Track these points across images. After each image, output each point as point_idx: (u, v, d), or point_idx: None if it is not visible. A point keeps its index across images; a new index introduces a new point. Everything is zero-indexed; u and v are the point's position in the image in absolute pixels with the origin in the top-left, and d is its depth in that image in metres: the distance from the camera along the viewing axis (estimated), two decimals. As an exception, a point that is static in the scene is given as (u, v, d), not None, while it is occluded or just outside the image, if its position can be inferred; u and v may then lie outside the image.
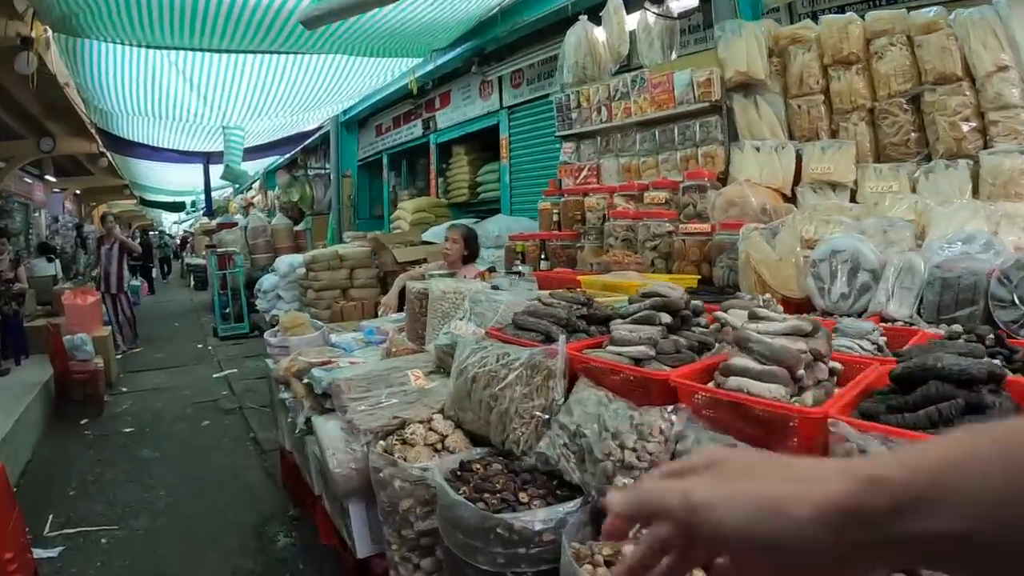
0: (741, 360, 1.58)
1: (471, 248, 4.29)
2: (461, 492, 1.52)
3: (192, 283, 15.92)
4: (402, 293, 4.12)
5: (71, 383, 5.33)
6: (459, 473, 1.64)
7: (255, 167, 12.47)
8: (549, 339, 1.92)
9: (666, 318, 1.86)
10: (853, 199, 3.04)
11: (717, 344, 1.91)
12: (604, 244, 3.68)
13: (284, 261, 7.00)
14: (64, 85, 7.12)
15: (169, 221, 28.02)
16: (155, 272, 17.62)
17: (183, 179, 11.31)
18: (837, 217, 2.85)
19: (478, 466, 1.66)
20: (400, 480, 1.76)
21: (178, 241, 25.14)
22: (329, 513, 2.55)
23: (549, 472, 1.60)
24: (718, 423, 1.43)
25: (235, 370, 6.64)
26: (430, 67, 6.79)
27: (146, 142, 8.02)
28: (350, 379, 2.17)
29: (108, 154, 10.36)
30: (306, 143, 10.37)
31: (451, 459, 1.71)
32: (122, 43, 5.08)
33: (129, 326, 7.79)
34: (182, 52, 5.37)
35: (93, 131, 8.71)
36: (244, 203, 16.20)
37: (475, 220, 6.27)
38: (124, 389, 6.03)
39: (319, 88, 6.34)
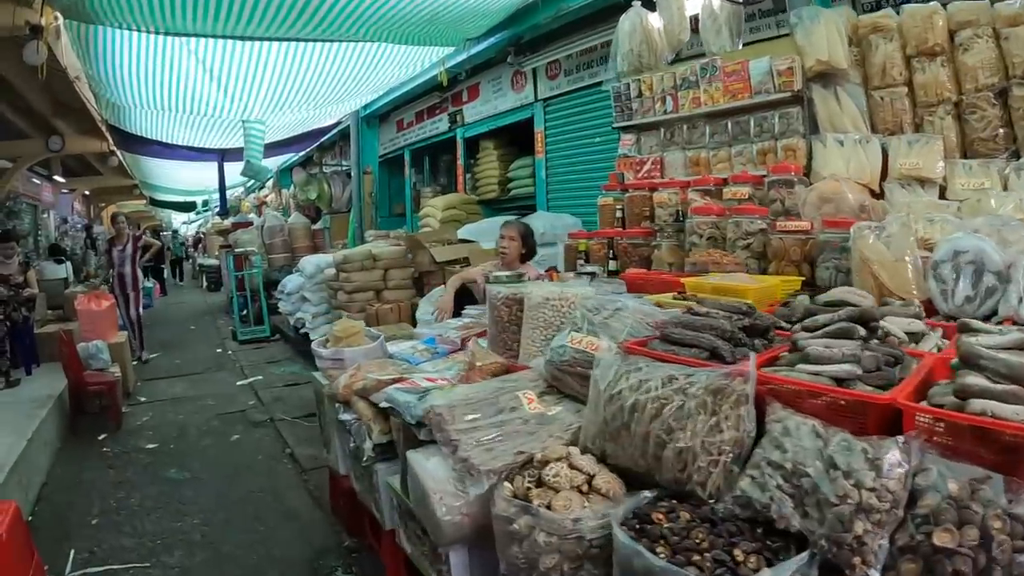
0: (978, 379, 1.31)
1: (529, 246, 3.96)
2: (659, 553, 1.16)
3: (205, 284, 15.39)
4: (458, 296, 3.77)
5: (86, 395, 4.93)
6: (638, 526, 1.27)
7: (269, 165, 12.08)
8: (715, 355, 1.55)
9: (861, 331, 1.50)
10: (942, 196, 2.86)
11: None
12: (686, 243, 3.32)
13: (310, 262, 6.58)
14: (75, 79, 6.74)
15: (178, 221, 27.35)
16: (166, 274, 17.03)
17: (195, 178, 10.88)
18: (942, 215, 2.65)
19: (659, 516, 1.28)
20: (544, 533, 1.38)
21: (191, 241, 24.07)
22: (409, 554, 2.17)
23: (750, 519, 1.25)
24: (956, 452, 1.23)
25: (260, 377, 6.24)
26: (462, 57, 6.42)
27: (159, 139, 7.59)
28: (452, 406, 1.78)
29: (119, 153, 9.95)
30: (322, 140, 9.98)
31: (621, 508, 1.33)
32: (138, 30, 4.68)
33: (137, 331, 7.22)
34: (203, 40, 4.98)
35: (103, 128, 8.31)
36: (257, 202, 15.68)
37: (517, 216, 5.94)
38: (142, 399, 5.62)
39: (345, 79, 5.95)
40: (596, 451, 1.56)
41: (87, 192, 16.39)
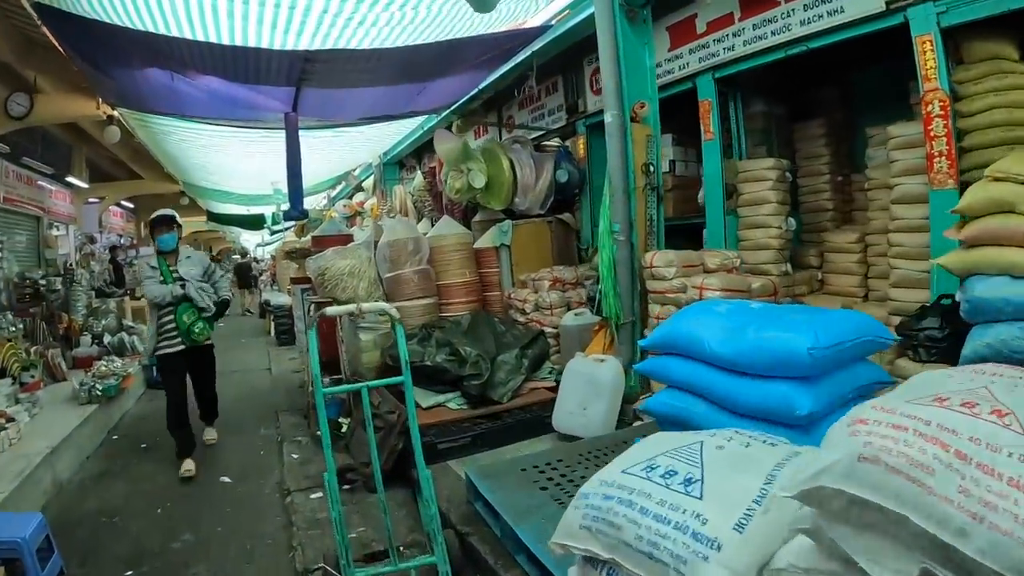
0: None
1: None
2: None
3: (273, 332, 9.04)
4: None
5: None
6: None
7: (359, 153, 7.43)
8: None
9: None
10: None
11: None
12: None
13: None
14: None
15: (250, 244, 21.45)
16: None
17: (254, 168, 6.11)
18: None
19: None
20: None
21: (267, 265, 14.85)
22: None
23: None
24: None
25: None
26: None
27: (153, 27, 2.89)
28: None
29: (120, 116, 5.55)
30: (475, 89, 4.94)
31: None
32: None
33: None
34: None
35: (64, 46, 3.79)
36: (348, 211, 8.88)
37: None
38: None
39: None
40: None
41: (128, 203, 12.32)
